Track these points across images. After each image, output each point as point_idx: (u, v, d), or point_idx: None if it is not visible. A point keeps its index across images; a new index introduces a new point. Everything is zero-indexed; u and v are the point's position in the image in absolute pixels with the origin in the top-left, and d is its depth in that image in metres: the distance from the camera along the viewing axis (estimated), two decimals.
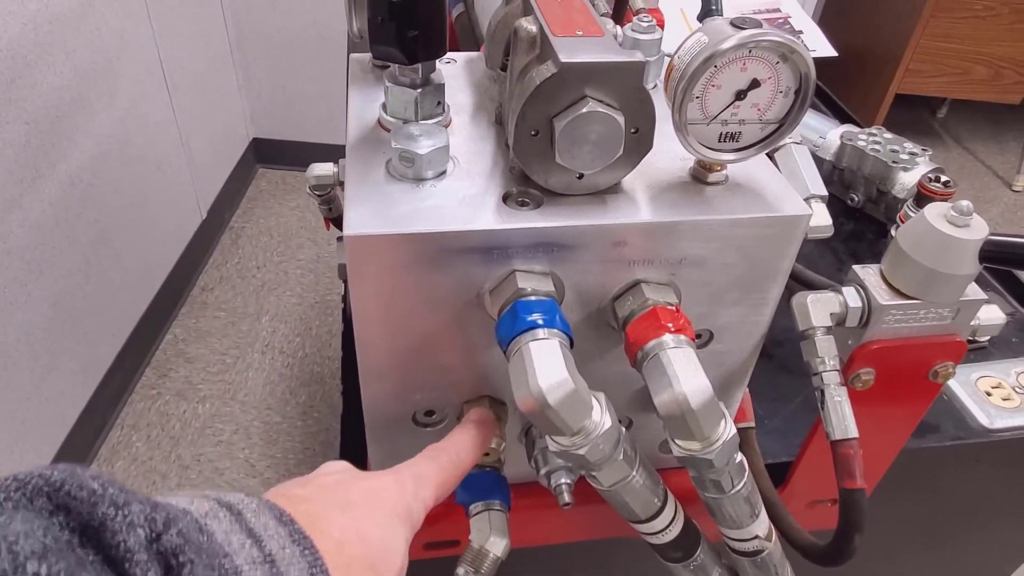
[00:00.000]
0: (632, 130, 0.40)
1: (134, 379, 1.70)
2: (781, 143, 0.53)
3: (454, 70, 0.56)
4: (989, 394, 0.68)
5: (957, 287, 0.45)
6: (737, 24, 0.39)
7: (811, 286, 0.61)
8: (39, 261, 1.33)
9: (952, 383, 0.68)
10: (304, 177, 0.54)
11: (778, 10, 1.33)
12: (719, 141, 0.42)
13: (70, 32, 1.38)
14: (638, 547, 0.48)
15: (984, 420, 0.65)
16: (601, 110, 0.38)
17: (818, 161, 0.91)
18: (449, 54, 0.58)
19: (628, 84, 0.39)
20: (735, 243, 0.43)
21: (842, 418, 0.45)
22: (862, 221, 0.90)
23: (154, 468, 1.54)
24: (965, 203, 0.43)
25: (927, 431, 0.64)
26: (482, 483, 0.50)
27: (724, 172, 0.45)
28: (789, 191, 0.44)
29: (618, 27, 0.54)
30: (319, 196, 0.54)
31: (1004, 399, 0.67)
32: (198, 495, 0.28)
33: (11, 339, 1.27)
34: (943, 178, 0.78)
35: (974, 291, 0.46)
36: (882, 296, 0.46)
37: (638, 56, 0.38)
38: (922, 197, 0.78)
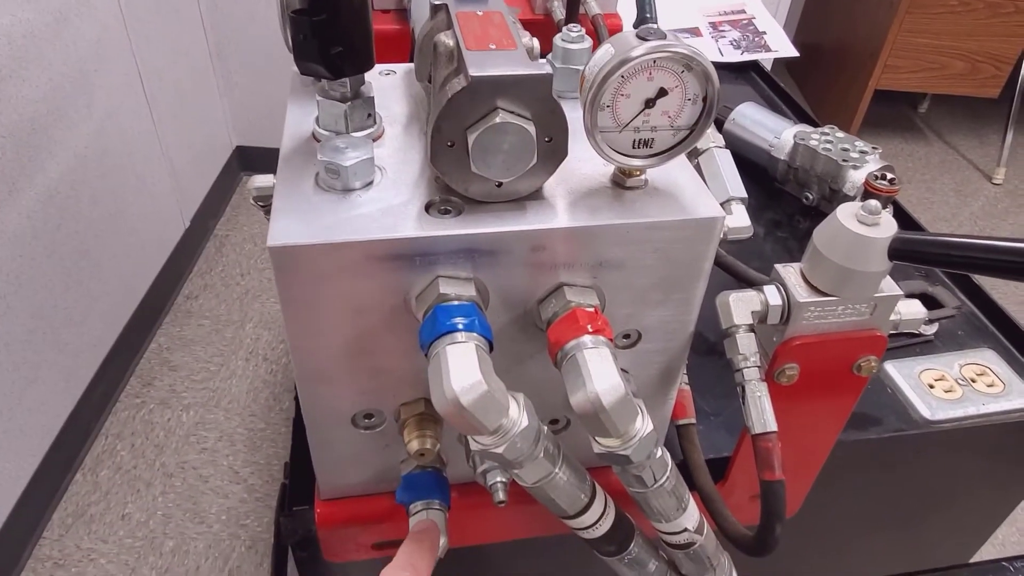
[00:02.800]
0: (546, 139, 0.42)
1: (118, 388, 1.71)
2: (704, 148, 0.55)
3: (393, 81, 0.57)
4: (932, 387, 0.69)
5: (870, 283, 0.46)
6: (642, 36, 0.40)
7: (749, 281, 0.63)
8: (17, 273, 1.34)
9: (895, 375, 0.70)
10: (246, 189, 0.56)
11: (743, 11, 1.35)
12: (633, 147, 0.44)
13: (45, 45, 1.39)
14: (578, 544, 0.49)
15: (926, 412, 0.67)
16: (512, 121, 0.40)
17: (773, 160, 0.93)
18: (389, 65, 0.59)
19: (538, 95, 0.40)
20: (652, 246, 0.44)
21: (761, 412, 0.46)
22: (818, 219, 0.91)
23: (138, 476, 1.55)
24: (873, 203, 0.45)
25: (869, 423, 0.65)
26: (422, 483, 0.51)
27: (643, 177, 0.46)
28: (705, 194, 0.46)
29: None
30: (263, 207, 0.56)
31: (947, 391, 0.69)
32: None
33: None
34: (889, 176, 0.80)
35: (889, 287, 0.48)
36: (800, 294, 0.47)
37: (546, 68, 0.40)
38: (868, 195, 0.80)
